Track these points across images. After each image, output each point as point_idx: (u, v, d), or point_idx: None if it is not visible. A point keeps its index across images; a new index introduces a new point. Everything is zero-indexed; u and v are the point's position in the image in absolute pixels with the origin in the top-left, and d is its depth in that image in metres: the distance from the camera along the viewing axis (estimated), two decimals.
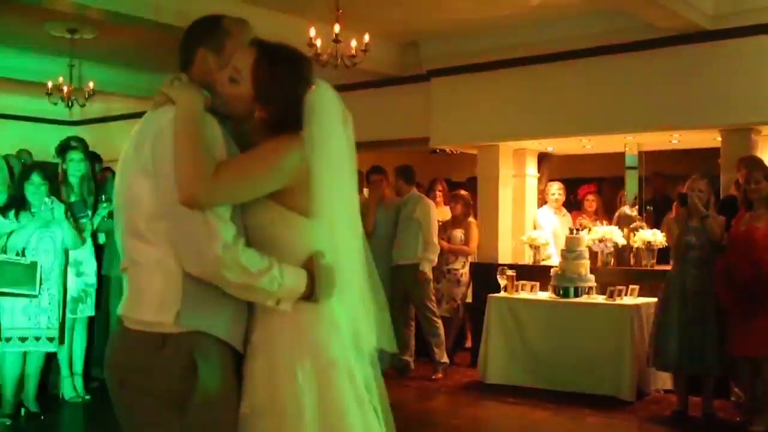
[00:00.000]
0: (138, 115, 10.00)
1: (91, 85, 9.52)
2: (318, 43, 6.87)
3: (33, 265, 6.42)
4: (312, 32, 6.82)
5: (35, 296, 6.38)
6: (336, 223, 2.65)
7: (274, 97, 2.58)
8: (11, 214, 6.53)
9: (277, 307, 2.53)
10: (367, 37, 7.08)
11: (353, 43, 6.96)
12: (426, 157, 11.75)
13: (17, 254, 6.43)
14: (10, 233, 6.47)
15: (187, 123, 2.45)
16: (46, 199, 6.62)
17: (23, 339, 6.44)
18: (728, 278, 6.52)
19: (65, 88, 9.41)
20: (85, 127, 13.93)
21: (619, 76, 8.36)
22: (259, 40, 2.64)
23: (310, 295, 2.55)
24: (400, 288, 8.54)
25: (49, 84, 9.49)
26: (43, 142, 12.67)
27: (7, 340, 6.40)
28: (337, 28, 6.68)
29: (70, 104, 9.37)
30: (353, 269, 2.71)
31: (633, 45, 8.19)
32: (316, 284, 2.55)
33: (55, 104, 9.53)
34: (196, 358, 2.43)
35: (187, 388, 2.43)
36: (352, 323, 2.69)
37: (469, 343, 9.72)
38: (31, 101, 12.82)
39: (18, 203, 6.58)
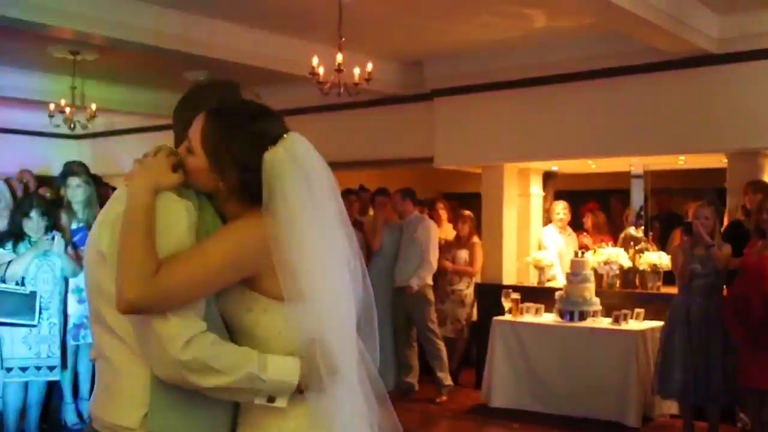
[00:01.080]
0: (142, 130, 10.09)
1: (93, 107, 9.50)
2: (321, 70, 6.82)
3: (32, 295, 6.38)
4: (315, 61, 6.78)
5: (34, 326, 6.34)
6: (320, 302, 2.25)
7: (227, 165, 2.26)
8: (9, 244, 6.49)
9: (271, 405, 2.23)
10: (370, 66, 7.05)
11: (356, 71, 6.91)
12: (429, 170, 11.70)
13: (16, 284, 6.40)
14: (9, 262, 6.44)
15: (131, 214, 2.18)
16: (46, 235, 6.56)
17: (24, 369, 6.40)
18: (739, 313, 6.45)
19: (67, 110, 9.38)
20: (88, 141, 13.97)
21: (624, 99, 8.31)
22: (213, 105, 2.34)
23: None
24: (401, 310, 8.53)
25: (51, 106, 9.46)
26: (45, 156, 12.75)
27: (9, 370, 6.37)
28: (339, 57, 6.63)
29: (72, 126, 9.34)
30: (346, 354, 2.32)
31: (639, 68, 8.15)
32: (302, 374, 2.23)
33: (58, 126, 9.50)
34: None
35: None
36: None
37: (474, 363, 9.69)
38: (34, 116, 12.89)
39: (16, 235, 6.53)
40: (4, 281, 6.35)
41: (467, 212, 9.52)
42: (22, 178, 8.87)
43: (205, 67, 9.14)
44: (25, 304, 6.32)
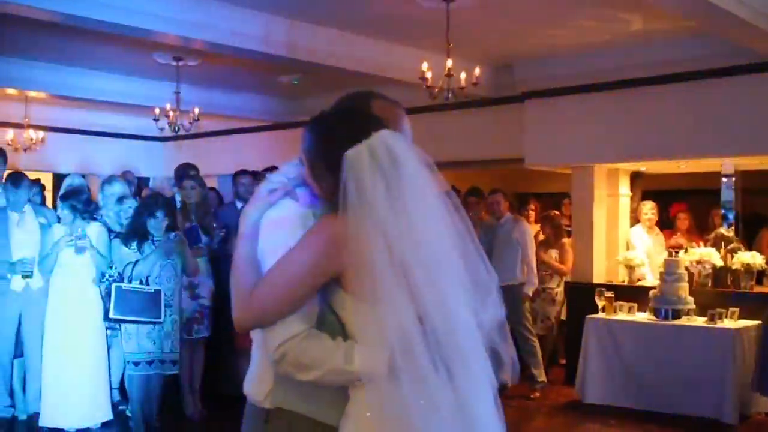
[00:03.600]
0: (228, 132, 10.40)
1: (196, 110, 9.83)
2: (429, 75, 7.06)
3: (157, 293, 6.64)
4: (425, 66, 7.01)
5: (160, 323, 6.60)
6: (398, 302, 2.28)
7: (320, 170, 2.39)
8: (134, 244, 6.79)
9: (368, 384, 2.34)
10: (477, 71, 7.26)
11: (462, 75, 7.12)
12: (510, 170, 11.84)
13: (140, 282, 6.70)
14: (135, 262, 6.72)
15: (238, 242, 2.45)
16: (167, 234, 6.86)
17: (150, 363, 6.70)
18: None
19: (171, 114, 9.73)
20: (174, 144, 14.35)
21: (717, 100, 8.36)
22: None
23: None
24: None
25: (157, 110, 9.82)
26: (132, 158, 13.15)
27: (136, 364, 6.68)
28: (449, 62, 6.85)
29: (176, 129, 9.68)
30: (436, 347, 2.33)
31: (732, 69, 8.20)
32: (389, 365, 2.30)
33: (162, 129, 9.86)
34: None
35: None
36: None
37: (563, 361, 9.84)
38: (123, 119, 13.35)
39: (141, 234, 6.83)
40: (130, 281, 6.65)
41: (557, 212, 9.68)
42: (126, 177, 9.18)
43: (301, 71, 9.43)
44: (151, 302, 6.59)
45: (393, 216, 2.29)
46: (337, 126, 2.40)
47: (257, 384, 2.56)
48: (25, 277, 6.95)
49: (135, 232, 6.81)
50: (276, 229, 2.44)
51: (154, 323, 6.59)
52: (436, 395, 2.33)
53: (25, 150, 11.86)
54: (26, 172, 8.73)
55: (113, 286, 6.41)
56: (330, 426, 2.45)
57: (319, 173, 2.39)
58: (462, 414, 2.39)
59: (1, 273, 7.00)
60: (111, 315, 6.37)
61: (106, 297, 6.70)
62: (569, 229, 9.82)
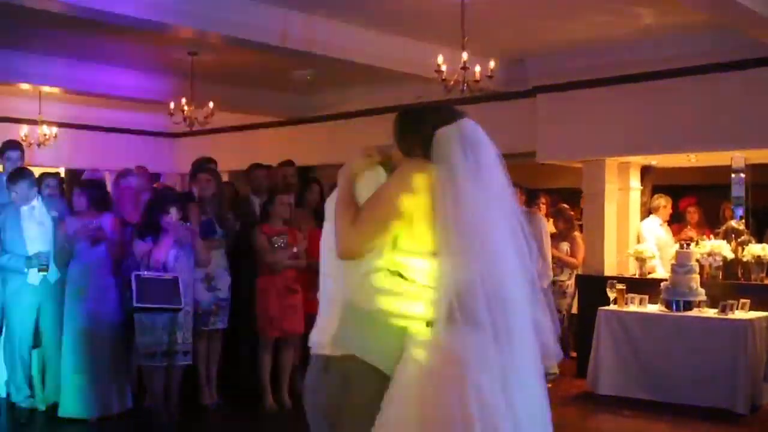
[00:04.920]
0: (239, 128, 10.45)
1: (211, 105, 9.90)
2: (444, 68, 7.12)
3: (175, 280, 6.66)
4: (440, 59, 7.08)
5: (180, 309, 6.61)
6: (466, 256, 2.72)
7: (410, 145, 2.93)
8: (149, 238, 6.85)
9: (428, 329, 2.72)
10: (492, 64, 7.31)
11: (477, 68, 7.18)
12: (528, 165, 11.89)
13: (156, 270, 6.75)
14: (149, 251, 6.80)
15: (339, 194, 2.92)
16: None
17: (165, 354, 6.77)
18: None
19: (186, 108, 9.79)
20: (184, 139, 14.43)
21: (728, 94, 8.43)
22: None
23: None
24: None
25: (171, 104, 9.88)
26: (141, 153, 13.21)
27: (153, 355, 6.76)
28: (465, 55, 6.92)
29: (191, 124, 9.75)
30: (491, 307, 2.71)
31: (743, 63, 8.28)
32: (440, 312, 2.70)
33: (177, 124, 9.93)
34: (348, 379, 2.71)
35: (339, 405, 2.73)
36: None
37: (573, 353, 9.90)
38: (132, 115, 13.43)
39: (155, 227, 6.89)
40: (148, 268, 6.72)
41: (564, 206, 9.75)
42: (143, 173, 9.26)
43: (315, 65, 9.49)
44: (170, 289, 6.61)
45: (469, 179, 2.75)
46: (428, 111, 3.01)
47: (321, 332, 2.88)
48: (41, 270, 7.01)
49: (149, 226, 6.91)
50: (369, 186, 2.90)
51: (175, 310, 6.62)
52: (487, 351, 2.66)
53: (38, 145, 11.94)
54: (39, 168, 8.86)
55: (133, 274, 6.46)
56: (383, 373, 2.69)
57: (412, 148, 2.89)
58: (507, 377, 2.67)
59: (17, 267, 7.07)
60: (135, 304, 6.41)
61: (125, 287, 6.76)
62: (580, 223, 9.89)
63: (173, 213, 6.86)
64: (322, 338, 2.84)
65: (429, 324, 2.70)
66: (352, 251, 2.81)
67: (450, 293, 2.65)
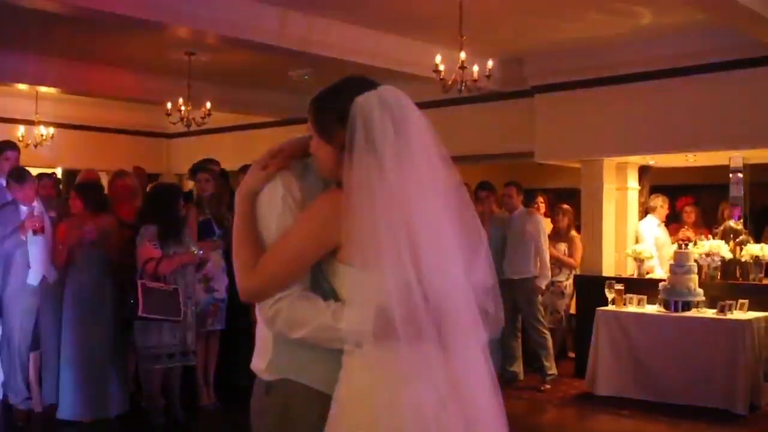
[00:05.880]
0: (236, 128, 10.46)
1: (208, 105, 9.88)
2: (442, 68, 7.10)
3: (175, 291, 6.71)
4: (438, 58, 7.06)
5: (179, 321, 6.69)
6: (399, 266, 2.31)
7: (330, 124, 2.44)
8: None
9: (358, 349, 2.41)
10: (490, 63, 7.30)
11: (475, 68, 7.17)
12: (525, 165, 11.88)
13: (157, 279, 6.69)
14: (157, 261, 6.74)
15: (237, 217, 2.56)
16: None
17: (171, 355, 6.76)
18: None
19: (183, 108, 9.77)
20: (180, 140, 14.42)
21: (726, 93, 8.43)
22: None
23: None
24: (508, 300, 8.71)
25: (168, 104, 9.86)
26: (145, 155, 13.22)
27: (157, 357, 6.74)
28: (463, 55, 6.90)
29: (188, 124, 9.73)
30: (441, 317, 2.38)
31: (741, 62, 8.28)
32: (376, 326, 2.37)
33: (174, 124, 9.91)
34: (289, 403, 2.57)
35: (282, 430, 2.60)
36: None
37: (572, 354, 9.91)
38: (134, 115, 13.41)
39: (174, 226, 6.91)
40: (151, 277, 6.67)
41: (566, 206, 9.74)
42: (137, 173, 9.24)
43: (312, 65, 9.47)
44: (171, 300, 6.64)
45: (398, 163, 2.34)
46: (345, 83, 2.47)
47: (259, 357, 2.65)
48: (36, 232, 6.84)
49: (169, 224, 6.85)
50: (268, 205, 2.53)
51: (175, 321, 6.67)
52: (431, 358, 2.37)
53: (35, 146, 11.91)
54: (36, 169, 8.81)
55: (138, 282, 6.46)
56: (325, 394, 2.51)
57: (329, 127, 2.42)
58: (453, 378, 2.40)
59: (16, 243, 6.98)
60: (141, 313, 6.42)
61: (128, 287, 6.73)
62: (578, 223, 9.88)
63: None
64: (259, 363, 2.65)
65: (350, 341, 2.42)
66: (255, 296, 2.51)
67: (379, 305, 2.33)
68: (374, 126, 2.33)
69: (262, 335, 2.63)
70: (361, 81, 2.46)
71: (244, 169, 8.42)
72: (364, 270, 2.35)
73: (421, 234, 2.34)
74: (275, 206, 2.51)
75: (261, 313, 2.52)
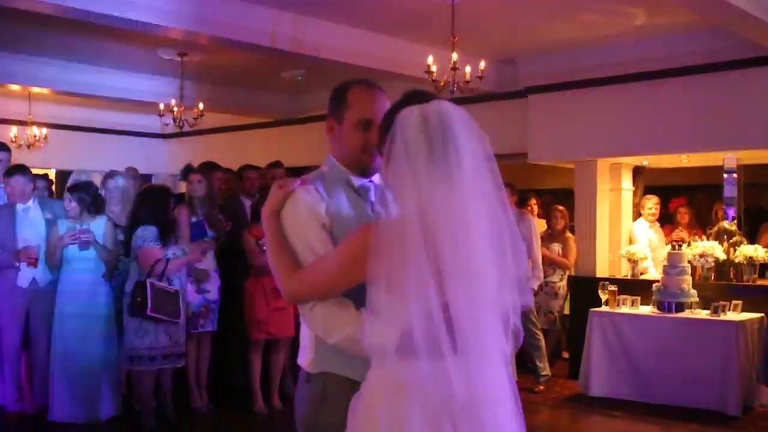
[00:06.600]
0: (230, 129, 10.43)
1: (201, 106, 9.86)
2: (434, 69, 7.10)
3: (177, 294, 6.75)
4: (430, 59, 7.05)
5: (177, 322, 6.74)
6: (424, 292, 2.34)
7: (382, 135, 2.58)
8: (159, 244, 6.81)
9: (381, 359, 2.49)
10: (482, 64, 7.29)
11: (468, 69, 7.16)
12: (518, 166, 11.88)
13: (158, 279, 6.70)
14: (166, 261, 6.73)
15: (268, 235, 2.76)
16: None
17: (166, 357, 6.75)
18: None
19: (176, 109, 9.75)
20: (176, 141, 14.38)
21: (720, 94, 8.43)
22: None
23: None
24: None
25: (161, 105, 9.85)
26: (139, 156, 13.18)
27: (152, 359, 6.71)
28: (454, 56, 6.90)
29: (181, 125, 9.71)
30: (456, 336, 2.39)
31: (734, 63, 8.27)
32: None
33: (167, 125, 9.90)
34: (325, 393, 2.74)
35: (315, 419, 2.78)
36: None
37: (565, 354, 9.90)
38: (123, 116, 13.39)
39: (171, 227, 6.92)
40: (158, 276, 6.66)
41: (561, 207, 9.73)
42: (129, 173, 9.20)
43: (304, 66, 9.46)
44: (174, 301, 6.69)
45: (432, 180, 2.38)
46: (404, 95, 2.55)
47: (304, 353, 2.85)
48: (30, 264, 6.93)
49: (165, 225, 6.87)
50: (293, 218, 2.74)
51: (175, 322, 6.73)
52: (447, 381, 2.37)
53: (28, 147, 11.89)
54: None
55: (148, 282, 6.48)
56: (359, 382, 2.61)
57: (382, 140, 2.51)
58: (472, 393, 2.41)
59: (7, 263, 7.01)
60: (149, 312, 6.45)
61: (128, 291, 6.71)
62: (571, 224, 9.87)
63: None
64: (304, 358, 2.86)
65: (371, 355, 2.50)
66: (298, 299, 2.70)
67: (401, 326, 2.36)
68: (409, 142, 2.39)
69: (305, 334, 2.84)
70: (414, 94, 2.55)
71: (244, 169, 8.49)
72: (389, 295, 2.40)
73: (449, 262, 2.35)
74: (300, 216, 2.72)
75: (302, 315, 2.73)
